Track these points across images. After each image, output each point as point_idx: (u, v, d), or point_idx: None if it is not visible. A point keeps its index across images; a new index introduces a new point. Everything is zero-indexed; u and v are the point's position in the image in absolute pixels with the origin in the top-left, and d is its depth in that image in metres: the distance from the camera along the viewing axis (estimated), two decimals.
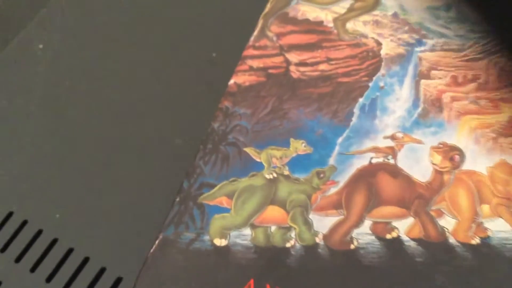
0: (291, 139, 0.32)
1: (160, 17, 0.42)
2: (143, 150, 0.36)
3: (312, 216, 0.30)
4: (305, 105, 0.33)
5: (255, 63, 0.35)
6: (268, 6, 0.37)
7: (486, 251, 0.28)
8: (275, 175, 0.31)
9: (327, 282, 0.28)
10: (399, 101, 0.33)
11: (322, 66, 0.35)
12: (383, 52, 0.35)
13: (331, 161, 0.31)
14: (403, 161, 0.31)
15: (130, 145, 0.36)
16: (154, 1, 0.43)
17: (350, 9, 0.36)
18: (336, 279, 0.28)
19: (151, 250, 0.29)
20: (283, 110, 0.33)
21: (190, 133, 0.36)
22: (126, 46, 0.41)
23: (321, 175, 0.31)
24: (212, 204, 0.31)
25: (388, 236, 0.29)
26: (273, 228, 0.30)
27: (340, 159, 0.31)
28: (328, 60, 0.35)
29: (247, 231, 0.30)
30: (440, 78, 0.33)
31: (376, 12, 0.36)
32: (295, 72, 0.35)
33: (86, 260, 0.34)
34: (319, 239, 0.29)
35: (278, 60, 0.35)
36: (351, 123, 0.32)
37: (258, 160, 0.32)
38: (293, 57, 0.35)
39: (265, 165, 0.31)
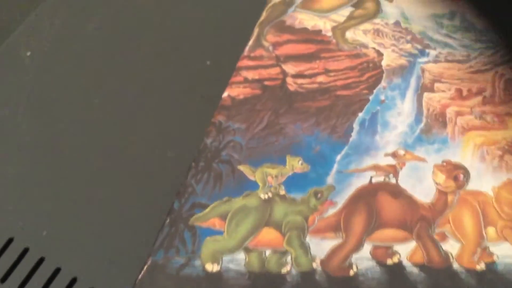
0: (288, 156, 0.31)
1: (153, 25, 0.41)
2: (132, 166, 0.35)
3: (309, 239, 0.28)
4: (302, 120, 0.32)
5: (250, 75, 0.34)
6: (264, 14, 0.35)
7: (491, 278, 0.27)
8: (270, 195, 0.30)
9: None
10: (400, 116, 0.31)
11: (320, 78, 0.33)
12: (384, 63, 0.33)
13: (329, 180, 0.30)
14: (405, 180, 0.30)
15: (118, 162, 0.35)
16: (147, 8, 0.41)
17: (350, 17, 0.35)
18: None
19: (139, 276, 0.28)
20: (279, 125, 0.32)
21: (181, 148, 0.34)
22: (117, 53, 0.40)
23: (319, 195, 0.29)
24: (205, 226, 0.29)
25: (389, 261, 0.28)
26: (268, 252, 0.28)
27: (339, 178, 0.30)
28: (327, 71, 0.33)
29: (241, 255, 0.28)
30: (443, 91, 0.32)
31: (377, 21, 0.35)
32: (292, 84, 0.33)
33: (74, 281, 0.33)
34: (316, 264, 0.28)
35: (274, 71, 0.34)
36: (351, 139, 0.31)
37: (252, 178, 0.30)
38: (290, 68, 0.34)
39: (260, 184, 0.30)
